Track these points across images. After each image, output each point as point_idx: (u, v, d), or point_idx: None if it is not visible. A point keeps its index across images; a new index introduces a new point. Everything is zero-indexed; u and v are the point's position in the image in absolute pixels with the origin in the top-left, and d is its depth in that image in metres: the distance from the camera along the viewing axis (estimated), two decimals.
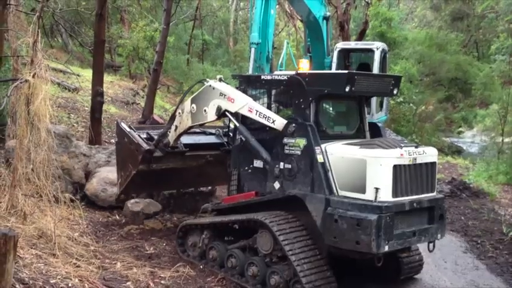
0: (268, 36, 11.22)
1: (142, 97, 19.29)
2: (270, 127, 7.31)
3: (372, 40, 23.25)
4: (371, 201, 6.35)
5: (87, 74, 16.43)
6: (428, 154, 6.93)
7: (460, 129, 30.46)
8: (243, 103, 7.53)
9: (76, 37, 22.26)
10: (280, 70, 22.65)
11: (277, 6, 12.06)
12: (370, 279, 7.30)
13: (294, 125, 7.03)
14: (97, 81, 11.88)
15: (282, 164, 7.11)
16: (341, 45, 15.11)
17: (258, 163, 7.58)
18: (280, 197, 7.15)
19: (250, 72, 10.89)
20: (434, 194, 7.09)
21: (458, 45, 33.30)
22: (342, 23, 21.74)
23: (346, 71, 7.53)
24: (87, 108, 14.13)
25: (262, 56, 11.02)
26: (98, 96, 11.72)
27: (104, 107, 12.54)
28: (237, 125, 7.68)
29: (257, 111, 7.37)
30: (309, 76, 7.27)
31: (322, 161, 6.78)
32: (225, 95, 7.69)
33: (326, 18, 13.95)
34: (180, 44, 27.45)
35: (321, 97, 7.30)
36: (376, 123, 8.49)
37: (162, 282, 6.88)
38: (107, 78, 14.01)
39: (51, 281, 5.71)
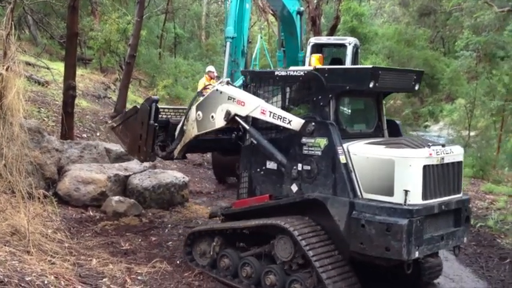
0: (243, 30, 11.26)
1: (114, 91, 19.05)
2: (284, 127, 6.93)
3: (343, 35, 23.47)
4: (400, 204, 5.98)
5: (57, 67, 16.13)
6: (455, 153, 6.61)
7: (427, 123, 31.04)
8: (254, 105, 7.04)
9: (46, 29, 21.78)
10: (255, 64, 22.81)
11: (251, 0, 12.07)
12: (390, 285, 7.07)
13: (313, 123, 6.62)
14: (69, 74, 11.68)
15: (300, 165, 6.69)
16: (314, 40, 15.25)
17: (271, 164, 7.14)
18: (298, 200, 6.72)
19: (225, 66, 10.91)
20: (461, 195, 6.77)
21: (425, 40, 33.88)
22: (314, 17, 21.89)
23: (370, 66, 7.10)
24: (57, 103, 13.88)
25: (238, 50, 11.05)
26: (70, 90, 11.52)
27: (75, 101, 12.33)
28: (247, 128, 7.22)
29: (271, 112, 6.90)
30: (329, 72, 6.83)
31: (345, 161, 6.39)
32: (234, 99, 7.17)
33: (300, 13, 14.06)
34: (152, 37, 27.17)
35: (340, 94, 6.88)
36: (395, 120, 8.15)
37: (139, 278, 6.84)
38: (77, 71, 13.71)
39: (27, 279, 5.61)
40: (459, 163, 6.68)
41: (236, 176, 14.55)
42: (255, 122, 7.25)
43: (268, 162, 7.16)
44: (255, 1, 24.21)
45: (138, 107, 8.68)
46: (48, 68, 15.35)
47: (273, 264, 6.70)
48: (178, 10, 30.51)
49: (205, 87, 9.25)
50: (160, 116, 8.32)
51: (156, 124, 8.17)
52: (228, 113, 7.19)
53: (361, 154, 6.40)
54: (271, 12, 24.92)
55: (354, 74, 6.92)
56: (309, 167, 6.62)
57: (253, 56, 21.68)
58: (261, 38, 25.06)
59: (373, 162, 6.28)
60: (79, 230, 8.64)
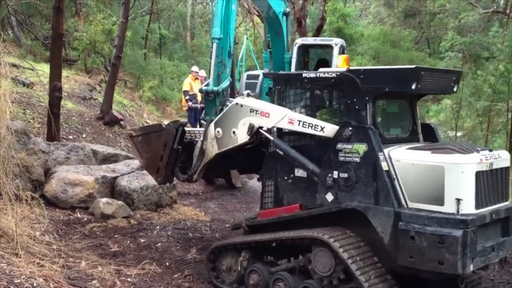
0: (230, 31, 11.21)
1: (100, 92, 18.90)
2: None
3: (329, 36, 23.60)
4: (453, 214, 5.63)
5: (41, 68, 15.98)
6: (503, 158, 6.29)
7: None
8: (280, 115, 6.72)
9: (31, 30, 21.57)
10: (241, 65, 22.77)
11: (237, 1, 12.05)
12: None
13: (350, 128, 6.25)
14: (55, 76, 11.58)
15: (335, 172, 6.33)
16: (300, 41, 15.31)
17: (299, 172, 6.76)
18: (335, 210, 6.34)
19: (212, 67, 10.87)
20: (508, 202, 6.43)
21: (411, 41, 34.19)
22: (299, 18, 21.97)
23: (412, 66, 6.49)
24: (43, 104, 13.75)
25: (224, 51, 10.99)
26: (56, 91, 11.42)
27: (61, 102, 12.22)
28: (273, 139, 6.87)
29: (299, 121, 6.57)
30: (364, 73, 6.43)
31: (387, 168, 6.02)
32: (256, 111, 6.85)
33: (286, 14, 14.07)
34: (137, 38, 27.03)
35: (377, 96, 6.47)
36: (430, 124, 7.83)
37: (129, 280, 6.80)
38: (62, 72, 13.59)
39: (16, 281, 5.57)
40: (507, 168, 6.38)
41: (224, 177, 14.59)
42: (279, 130, 6.94)
43: (296, 170, 6.81)
44: (241, 2, 24.25)
45: (164, 125, 8.39)
46: (33, 70, 15.26)
47: (309, 280, 6.33)
48: (163, 11, 30.39)
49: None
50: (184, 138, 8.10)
51: (179, 147, 7.91)
52: (251, 127, 6.88)
53: (406, 160, 6.05)
54: (257, 13, 24.97)
55: (394, 75, 6.41)
56: (346, 175, 6.26)
57: (240, 57, 21.69)
58: (247, 39, 25.07)
59: (419, 169, 5.93)
60: (67, 232, 8.58)
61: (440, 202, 5.76)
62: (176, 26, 37.00)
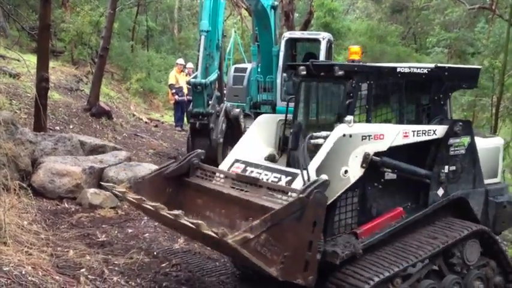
0: (218, 24, 11.29)
1: (86, 84, 18.85)
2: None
3: (316, 30, 23.71)
4: (500, 183, 7.45)
5: (28, 59, 15.88)
6: None
7: None
8: (395, 132, 6.17)
9: (17, 20, 21.39)
10: (229, 58, 22.80)
11: None
12: None
13: (460, 123, 6.68)
14: (42, 66, 11.53)
15: (446, 167, 6.60)
16: (288, 34, 15.42)
17: (390, 175, 6.28)
18: (445, 203, 6.61)
19: (200, 60, 10.93)
20: None
21: (397, 37, 34.44)
22: (287, 12, 22.05)
23: (477, 66, 7.63)
24: (29, 95, 13.70)
25: (212, 44, 11.07)
26: (43, 82, 11.39)
27: (48, 93, 12.18)
28: (386, 160, 6.05)
29: (413, 131, 6.33)
30: (448, 70, 6.85)
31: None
32: (369, 136, 5.93)
33: (274, 7, 14.17)
34: (123, 30, 26.92)
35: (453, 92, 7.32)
36: None
37: (116, 269, 6.85)
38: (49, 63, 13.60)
39: (4, 269, 5.60)
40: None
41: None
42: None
43: (386, 174, 6.25)
44: None
45: (301, 195, 5.19)
46: (19, 60, 15.16)
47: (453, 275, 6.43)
48: (150, 3, 30.26)
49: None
50: None
51: None
52: (366, 156, 5.88)
53: (479, 146, 7.05)
54: (245, 6, 24.97)
55: (468, 74, 7.24)
56: (454, 167, 6.70)
57: (227, 50, 21.72)
58: (235, 32, 25.10)
59: (487, 152, 7.25)
60: (55, 221, 8.59)
61: (495, 175, 7.38)
62: (163, 18, 36.85)
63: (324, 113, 7.20)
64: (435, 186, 6.51)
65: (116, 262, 7.06)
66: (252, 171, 6.31)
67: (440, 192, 6.58)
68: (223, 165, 6.72)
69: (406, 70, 6.54)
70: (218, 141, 10.99)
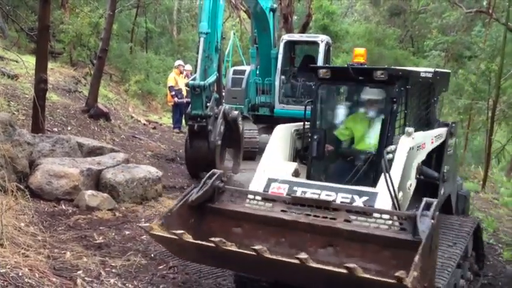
0: (217, 26, 11.31)
1: (85, 85, 18.84)
2: None
3: (315, 33, 23.74)
4: None
5: (26, 60, 15.87)
6: None
7: None
8: (429, 139, 6.28)
9: (16, 21, 21.40)
10: (227, 61, 22.81)
11: None
12: None
13: (453, 125, 7.15)
14: (41, 67, 11.52)
15: (446, 167, 6.86)
16: (287, 37, 15.47)
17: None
18: (443, 202, 6.88)
19: (199, 62, 10.95)
20: None
21: (395, 40, 34.45)
22: (286, 15, 22.11)
23: (449, 71, 8.36)
24: (27, 96, 13.69)
25: (211, 46, 11.10)
26: (41, 83, 11.38)
27: (46, 94, 12.17)
28: (422, 168, 5.99)
29: (435, 137, 6.54)
30: (440, 74, 7.24)
31: None
32: (419, 147, 5.84)
33: (273, 9, 14.22)
34: (122, 31, 26.92)
35: None
36: None
37: (114, 271, 6.85)
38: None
39: (1, 271, 5.59)
40: None
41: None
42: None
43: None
44: None
45: (434, 223, 4.60)
46: (17, 61, 15.15)
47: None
48: (149, 5, 30.28)
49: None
50: None
51: None
52: (419, 167, 5.80)
53: None
54: (244, 9, 25.01)
55: (447, 77, 7.88)
56: (448, 167, 7.01)
57: (226, 53, 21.74)
58: (234, 34, 25.13)
59: None
60: (52, 223, 8.57)
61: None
62: (162, 20, 36.85)
63: (354, 119, 6.79)
64: (441, 186, 6.69)
65: (113, 264, 7.06)
66: (304, 192, 5.52)
67: (442, 191, 6.79)
68: (254, 187, 5.88)
69: (424, 74, 6.64)
70: (216, 143, 11.01)
